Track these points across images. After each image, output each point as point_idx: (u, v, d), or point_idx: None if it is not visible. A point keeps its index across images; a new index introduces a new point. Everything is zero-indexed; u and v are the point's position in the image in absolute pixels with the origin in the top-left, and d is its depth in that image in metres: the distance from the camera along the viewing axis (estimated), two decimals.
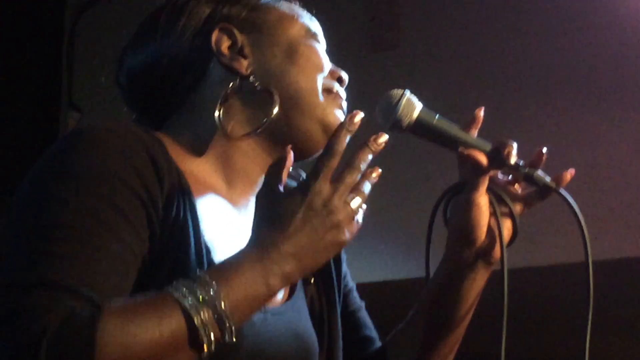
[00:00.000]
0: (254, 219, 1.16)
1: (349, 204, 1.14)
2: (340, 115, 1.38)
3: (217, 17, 1.38)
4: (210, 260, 1.21)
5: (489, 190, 1.40)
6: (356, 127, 1.16)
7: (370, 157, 1.16)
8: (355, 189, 1.15)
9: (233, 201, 1.34)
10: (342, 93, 1.41)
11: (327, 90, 1.38)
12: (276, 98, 1.33)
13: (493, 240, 1.40)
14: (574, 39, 2.91)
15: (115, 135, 1.17)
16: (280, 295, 1.32)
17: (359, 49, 3.06)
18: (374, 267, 2.94)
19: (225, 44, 1.37)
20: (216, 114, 1.33)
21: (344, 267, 1.51)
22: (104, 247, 1.09)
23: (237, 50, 1.37)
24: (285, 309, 1.32)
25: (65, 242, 1.08)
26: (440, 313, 1.45)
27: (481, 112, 1.42)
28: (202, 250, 1.20)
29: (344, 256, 1.50)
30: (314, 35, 1.41)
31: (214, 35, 1.37)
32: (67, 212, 1.10)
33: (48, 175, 1.15)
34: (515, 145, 1.37)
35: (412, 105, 1.38)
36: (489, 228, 1.40)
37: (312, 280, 1.42)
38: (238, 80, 1.35)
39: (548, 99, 2.91)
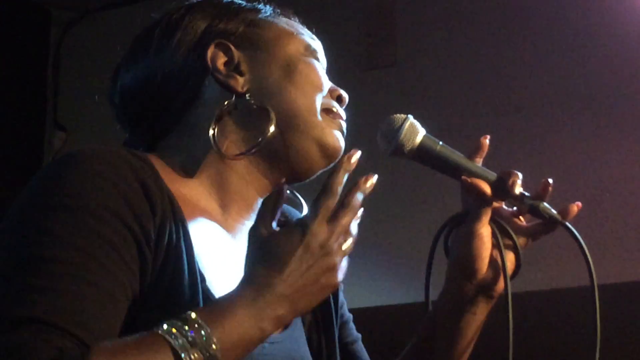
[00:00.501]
0: (247, 255, 1.15)
1: (342, 246, 1.15)
2: (339, 137, 1.36)
3: (213, 33, 1.36)
4: (205, 288, 1.20)
5: (493, 221, 1.38)
6: (353, 166, 1.18)
7: (361, 198, 1.17)
8: (347, 231, 1.15)
9: (227, 226, 1.33)
10: (342, 113, 1.39)
11: (326, 110, 1.36)
12: (272, 116, 1.32)
13: (495, 273, 1.38)
14: (578, 56, 2.90)
15: (106, 163, 1.15)
16: None
17: (354, 66, 3.07)
18: (374, 292, 2.94)
19: (221, 61, 1.35)
20: (210, 132, 1.31)
21: (342, 297, 1.49)
22: (93, 282, 1.08)
23: (233, 67, 1.35)
24: (284, 337, 1.29)
25: (54, 277, 1.06)
26: (439, 347, 1.43)
27: (486, 140, 1.41)
28: (197, 278, 1.19)
29: (341, 285, 1.47)
30: (313, 52, 1.39)
31: (210, 51, 1.35)
32: (56, 245, 1.08)
33: (36, 204, 1.13)
34: (520, 175, 1.36)
35: (415, 131, 1.37)
36: (491, 261, 1.38)
37: None
38: (234, 98, 1.33)
39: (551, 118, 2.90)
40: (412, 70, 3.09)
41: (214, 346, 1.05)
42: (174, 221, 1.19)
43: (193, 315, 1.06)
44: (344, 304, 1.49)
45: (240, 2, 1.42)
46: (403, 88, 3.07)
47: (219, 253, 1.28)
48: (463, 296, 1.39)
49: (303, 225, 1.13)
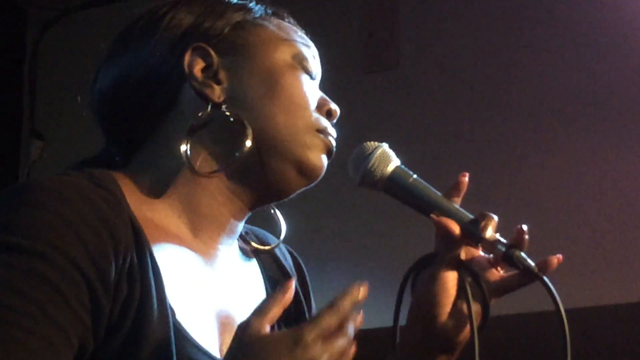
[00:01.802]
0: (227, 353, 1.10)
1: None
2: (323, 158, 1.31)
3: (195, 34, 1.31)
4: (176, 322, 1.17)
5: (465, 269, 1.32)
6: (362, 300, 1.11)
7: (352, 329, 1.12)
8: (343, 353, 1.09)
9: (200, 251, 1.29)
10: (331, 130, 1.33)
11: (315, 130, 1.31)
12: (248, 132, 1.26)
13: (457, 324, 1.30)
14: (588, 59, 2.86)
15: (62, 199, 1.12)
16: None
17: (355, 68, 3.04)
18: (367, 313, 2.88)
19: (198, 66, 1.29)
20: (182, 147, 1.26)
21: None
22: (31, 329, 1.06)
23: (211, 75, 1.30)
24: None
25: None
26: None
27: (466, 178, 1.34)
28: (167, 313, 1.16)
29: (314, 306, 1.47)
30: (302, 61, 1.33)
31: (187, 55, 1.29)
32: None
33: None
34: (495, 218, 1.29)
35: (387, 160, 1.33)
36: (455, 310, 1.30)
37: None
38: (209, 108, 1.28)
39: (560, 122, 2.85)
40: (415, 73, 3.05)
41: None
42: (140, 254, 1.16)
43: None
44: None
45: (230, 0, 1.36)
46: (405, 91, 3.04)
47: (192, 282, 1.25)
48: (418, 346, 1.32)
49: (297, 334, 1.06)
